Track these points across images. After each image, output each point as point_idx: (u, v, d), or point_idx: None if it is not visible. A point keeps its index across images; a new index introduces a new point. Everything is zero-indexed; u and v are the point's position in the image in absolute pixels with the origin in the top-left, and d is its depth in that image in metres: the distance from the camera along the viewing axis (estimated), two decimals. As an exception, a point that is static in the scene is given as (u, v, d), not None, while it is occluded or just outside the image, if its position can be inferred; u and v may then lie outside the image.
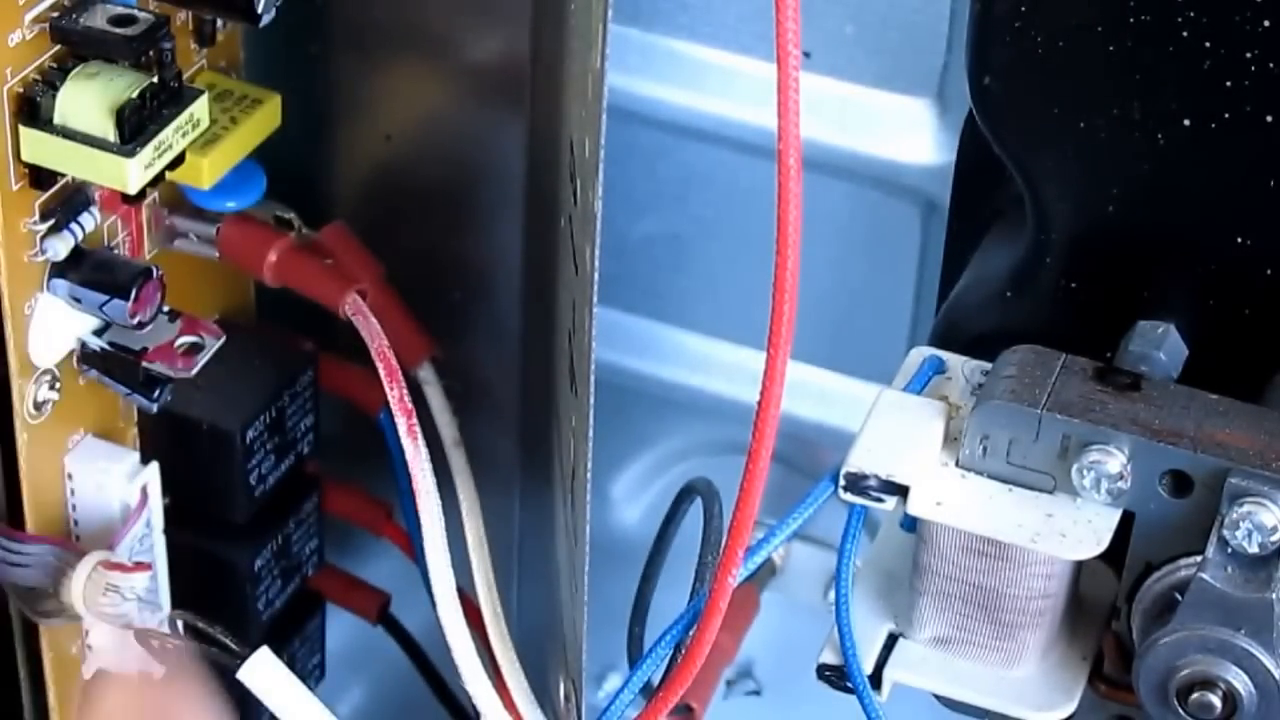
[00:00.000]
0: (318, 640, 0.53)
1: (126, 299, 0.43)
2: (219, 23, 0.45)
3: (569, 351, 0.41)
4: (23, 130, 0.40)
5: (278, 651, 0.43)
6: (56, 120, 0.40)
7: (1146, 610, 0.39)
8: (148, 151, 0.40)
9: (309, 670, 0.53)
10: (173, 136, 0.41)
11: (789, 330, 0.34)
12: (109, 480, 0.45)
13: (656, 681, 0.40)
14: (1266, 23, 0.38)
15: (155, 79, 0.40)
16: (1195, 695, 0.38)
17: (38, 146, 0.40)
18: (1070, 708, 0.41)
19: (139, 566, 0.44)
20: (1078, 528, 0.38)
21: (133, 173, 0.40)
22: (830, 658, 0.41)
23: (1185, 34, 0.38)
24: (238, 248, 0.46)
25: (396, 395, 0.43)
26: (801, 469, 0.53)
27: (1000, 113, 0.41)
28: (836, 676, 0.41)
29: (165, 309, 0.44)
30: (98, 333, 0.44)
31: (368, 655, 0.55)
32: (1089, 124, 0.40)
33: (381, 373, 0.44)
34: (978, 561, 0.40)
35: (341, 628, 0.54)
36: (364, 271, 0.47)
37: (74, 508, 0.45)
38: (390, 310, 0.47)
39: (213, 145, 0.44)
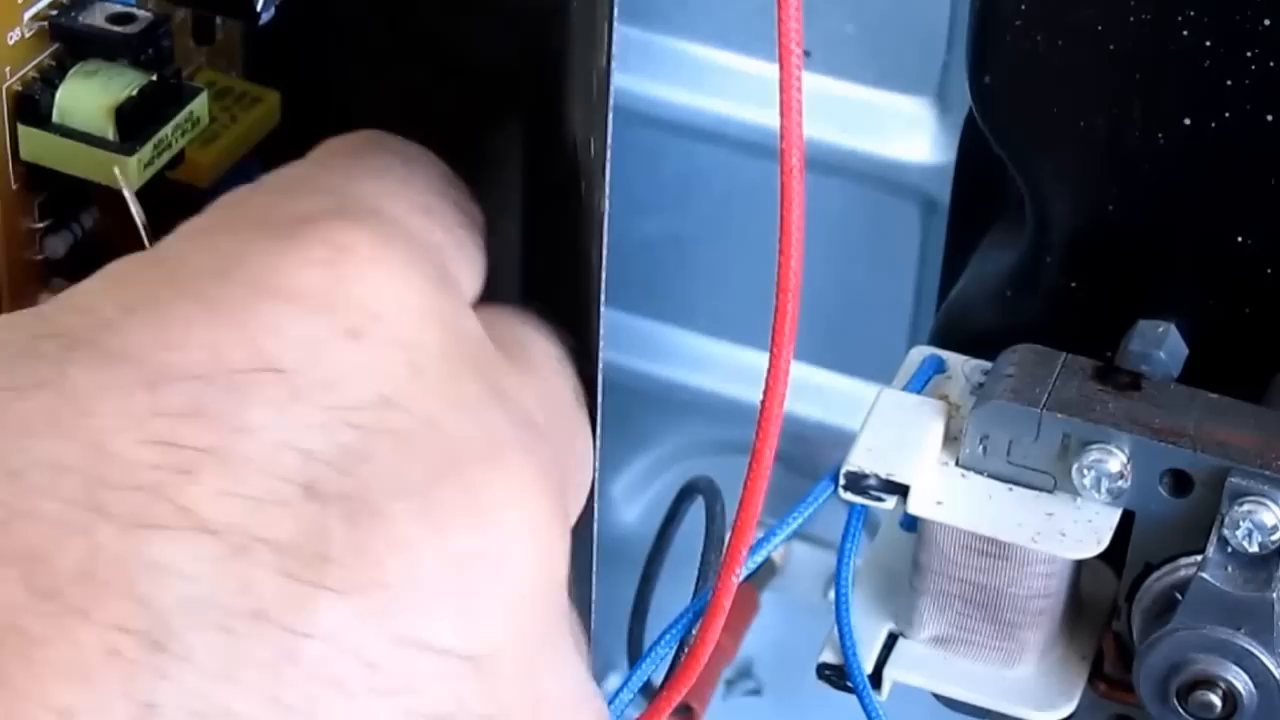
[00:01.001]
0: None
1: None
2: (219, 21, 0.45)
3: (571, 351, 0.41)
4: (21, 129, 0.40)
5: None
6: (55, 119, 0.40)
7: (1146, 610, 0.39)
8: (147, 150, 0.40)
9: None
10: (172, 135, 0.41)
11: (792, 329, 0.34)
12: (108, 479, 0.45)
13: (657, 681, 0.40)
14: (1267, 21, 0.38)
15: (154, 77, 0.40)
16: (1195, 694, 0.38)
17: (37, 145, 0.40)
18: (1070, 707, 0.41)
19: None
20: (1078, 527, 0.38)
21: (132, 171, 0.40)
22: (830, 657, 0.41)
23: (1185, 33, 0.38)
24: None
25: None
26: (801, 468, 0.53)
27: (1000, 112, 0.41)
28: (836, 676, 0.41)
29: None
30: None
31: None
32: (1089, 123, 0.40)
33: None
34: (978, 560, 0.40)
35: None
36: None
37: (73, 507, 0.45)
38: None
39: (212, 143, 0.43)
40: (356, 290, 0.33)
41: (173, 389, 0.31)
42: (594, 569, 0.42)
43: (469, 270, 0.38)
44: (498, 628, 0.32)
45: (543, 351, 0.38)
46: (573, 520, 0.37)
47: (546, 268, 0.41)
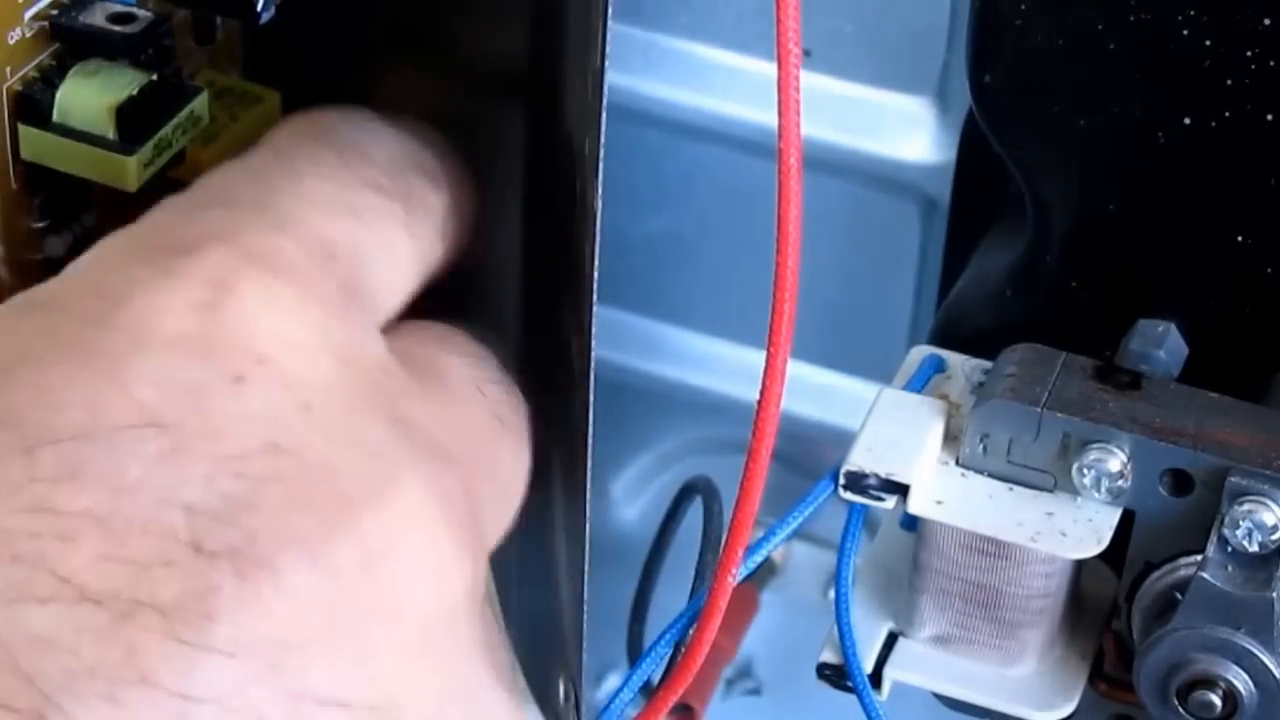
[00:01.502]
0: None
1: (126, 297, 0.43)
2: (219, 21, 0.45)
3: (568, 349, 0.41)
4: (22, 129, 0.40)
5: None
6: (56, 118, 0.40)
7: (1146, 609, 0.39)
8: (147, 149, 0.40)
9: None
10: (173, 134, 0.41)
11: (789, 328, 0.34)
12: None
13: (656, 681, 0.40)
14: (1267, 21, 0.38)
15: (155, 77, 0.41)
16: (1195, 694, 0.38)
17: (37, 145, 0.40)
18: (1070, 707, 0.41)
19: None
20: (1078, 526, 0.38)
21: (132, 171, 0.40)
22: (830, 656, 0.41)
23: (1185, 32, 0.38)
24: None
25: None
26: (801, 468, 0.53)
27: (1000, 111, 0.41)
28: (836, 675, 0.41)
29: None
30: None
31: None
32: (1089, 122, 0.40)
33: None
34: (978, 560, 0.40)
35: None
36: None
37: (73, 506, 0.45)
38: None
39: (213, 143, 0.43)
40: (239, 332, 0.32)
41: (50, 452, 0.30)
42: (586, 569, 0.42)
43: (399, 270, 0.36)
44: (399, 674, 0.31)
45: (459, 375, 0.37)
46: (491, 542, 0.36)
47: (540, 265, 0.41)
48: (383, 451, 0.32)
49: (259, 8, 0.41)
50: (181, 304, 0.32)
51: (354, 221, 0.35)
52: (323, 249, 0.34)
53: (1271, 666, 0.37)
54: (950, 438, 0.40)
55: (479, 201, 0.39)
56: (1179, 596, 0.38)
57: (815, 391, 0.54)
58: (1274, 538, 0.37)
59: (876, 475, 0.39)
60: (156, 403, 0.31)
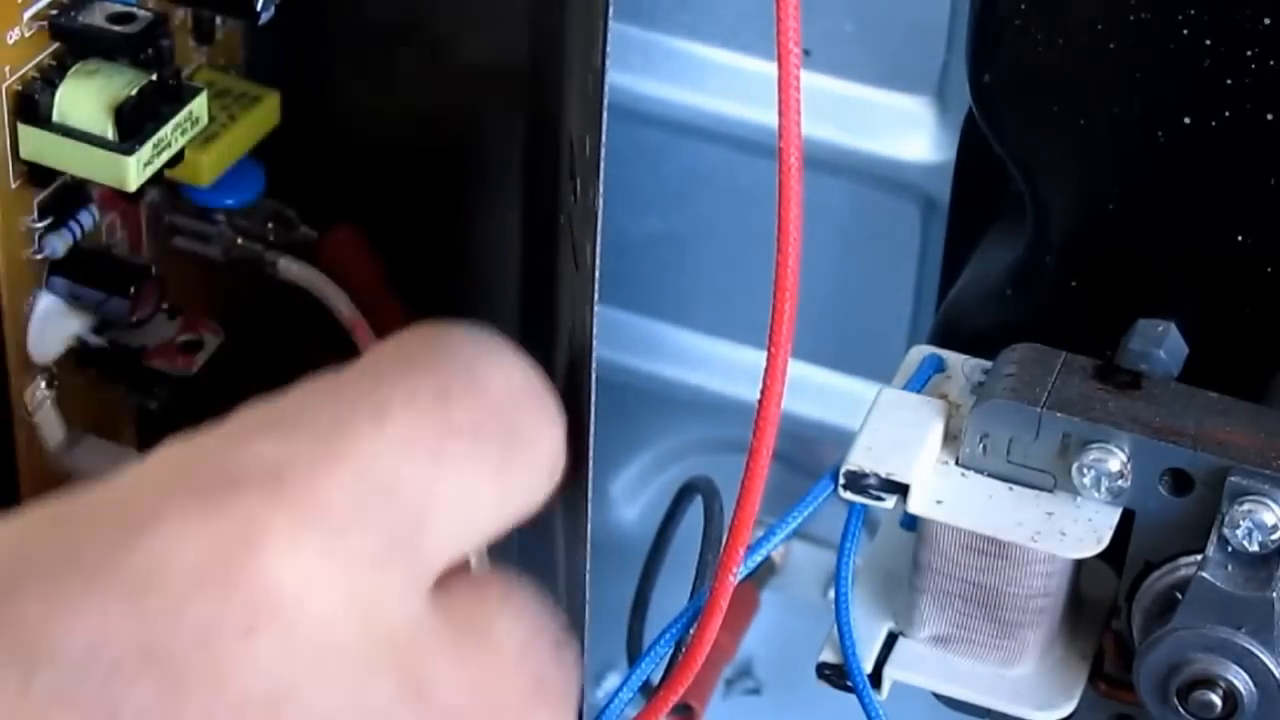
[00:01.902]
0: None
1: (125, 297, 0.43)
2: (219, 20, 0.45)
3: (568, 349, 0.41)
4: (21, 128, 0.40)
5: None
6: (55, 118, 0.40)
7: (1146, 609, 0.39)
8: (146, 149, 0.40)
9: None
10: (172, 134, 0.41)
11: (790, 328, 0.34)
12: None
13: (656, 680, 0.40)
14: (1267, 21, 0.38)
15: (154, 77, 0.41)
16: (1196, 694, 0.38)
17: (37, 144, 0.40)
18: (1070, 707, 0.41)
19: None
20: (1078, 526, 0.38)
21: (131, 170, 0.40)
22: (830, 656, 0.41)
23: (1185, 31, 0.38)
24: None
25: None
26: (801, 467, 0.53)
27: (1000, 110, 0.41)
28: (836, 675, 0.41)
29: (164, 306, 0.44)
30: (97, 331, 0.44)
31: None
32: (1089, 122, 0.40)
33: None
34: (978, 560, 0.40)
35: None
36: (366, 274, 0.47)
37: (73, 506, 0.45)
38: (390, 311, 0.47)
39: (212, 142, 0.44)
40: (258, 580, 0.31)
41: (48, 673, 0.30)
42: (588, 570, 0.42)
43: (473, 520, 0.35)
44: None
45: (506, 637, 0.35)
46: None
47: (541, 266, 0.41)
48: (388, 715, 0.32)
49: (259, 7, 0.41)
50: (207, 541, 0.31)
51: (431, 468, 0.34)
52: (382, 494, 0.33)
53: (1271, 666, 0.37)
54: (950, 437, 0.40)
55: (580, 438, 0.38)
56: (1179, 596, 0.38)
57: (815, 391, 0.54)
58: (1274, 537, 0.37)
59: (876, 475, 0.39)
60: (163, 638, 0.30)
